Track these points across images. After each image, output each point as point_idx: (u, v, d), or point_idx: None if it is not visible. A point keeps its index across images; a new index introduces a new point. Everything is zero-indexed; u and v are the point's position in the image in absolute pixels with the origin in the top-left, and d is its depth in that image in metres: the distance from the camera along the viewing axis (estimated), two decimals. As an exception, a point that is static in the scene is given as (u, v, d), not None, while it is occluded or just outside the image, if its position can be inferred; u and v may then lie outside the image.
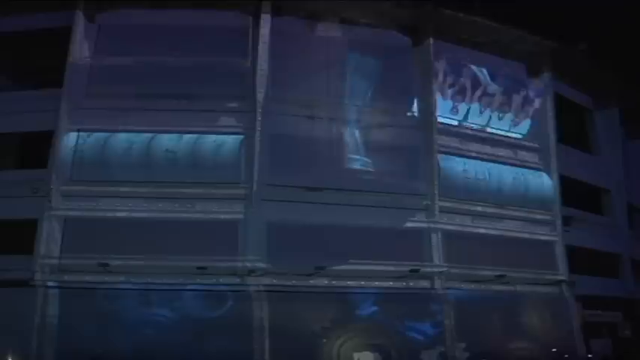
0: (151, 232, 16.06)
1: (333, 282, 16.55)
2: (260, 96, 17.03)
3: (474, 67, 20.07)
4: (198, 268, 15.66)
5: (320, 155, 16.97)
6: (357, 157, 17.13)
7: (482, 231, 18.55)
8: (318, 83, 17.92)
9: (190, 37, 17.61)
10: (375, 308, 17.10)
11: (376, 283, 17.05)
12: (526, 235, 19.34)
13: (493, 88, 20.38)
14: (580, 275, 19.75)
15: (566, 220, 20.01)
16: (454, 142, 19.10)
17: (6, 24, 17.74)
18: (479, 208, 18.69)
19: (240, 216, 16.42)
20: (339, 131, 17.34)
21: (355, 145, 17.25)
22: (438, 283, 17.36)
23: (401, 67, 18.84)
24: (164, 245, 15.80)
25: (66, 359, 14.68)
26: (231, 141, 16.71)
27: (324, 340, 16.27)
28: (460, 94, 19.65)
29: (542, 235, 19.76)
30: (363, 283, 16.94)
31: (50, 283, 15.41)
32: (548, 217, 19.86)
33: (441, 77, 19.18)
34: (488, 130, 19.97)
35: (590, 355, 18.96)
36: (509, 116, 20.51)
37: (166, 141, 16.48)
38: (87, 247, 15.77)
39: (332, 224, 16.69)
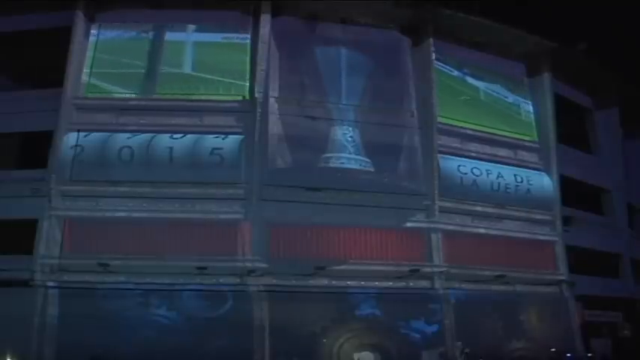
0: (150, 232, 16.09)
1: (333, 282, 16.56)
2: (260, 96, 17.02)
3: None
4: (198, 268, 15.68)
5: (320, 155, 16.97)
6: (357, 157, 17.11)
7: (482, 231, 18.54)
8: (318, 83, 17.93)
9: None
10: (375, 308, 17.11)
11: (376, 283, 17.06)
12: (526, 235, 19.32)
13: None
14: (580, 275, 19.74)
15: (566, 220, 20.00)
16: (454, 142, 19.09)
17: (6, 24, 17.79)
18: (479, 208, 18.68)
19: (240, 216, 16.41)
20: (339, 131, 17.32)
21: (355, 145, 17.23)
22: (438, 283, 17.34)
23: (401, 67, 18.84)
24: (164, 245, 15.83)
25: (66, 359, 14.68)
26: (231, 141, 16.70)
27: (324, 340, 16.27)
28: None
29: (542, 235, 19.74)
30: (363, 283, 16.95)
31: (50, 283, 15.44)
32: (548, 217, 19.84)
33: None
34: (488, 130, 19.99)
35: (590, 355, 18.93)
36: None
37: (166, 141, 16.46)
38: (87, 247, 15.82)
39: (332, 224, 16.70)
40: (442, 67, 19.67)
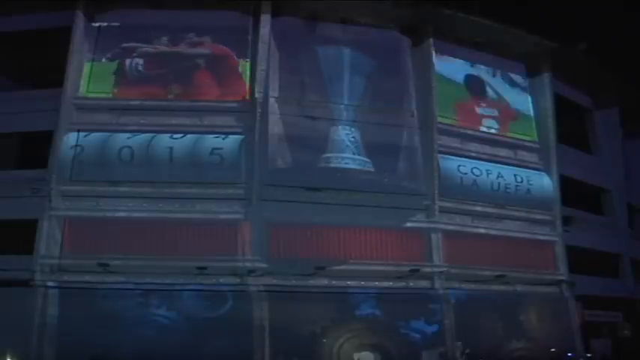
0: (150, 232, 16.10)
1: (333, 282, 16.55)
2: (260, 96, 17.01)
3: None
4: (198, 268, 15.67)
5: (320, 155, 16.96)
6: (357, 157, 17.11)
7: (482, 231, 18.53)
8: (318, 83, 17.93)
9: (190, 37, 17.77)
10: (375, 308, 17.09)
11: (376, 283, 17.05)
12: (526, 235, 19.30)
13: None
14: (580, 275, 19.72)
15: (566, 220, 19.98)
16: (454, 142, 19.09)
17: (6, 24, 17.77)
18: (479, 208, 18.66)
19: (240, 216, 16.41)
20: (339, 131, 17.32)
21: (355, 145, 17.23)
22: (438, 283, 17.33)
23: (401, 67, 18.83)
24: (164, 245, 15.83)
25: (66, 359, 14.68)
26: (231, 141, 16.69)
27: (324, 340, 16.26)
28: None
29: (542, 235, 19.72)
30: (363, 283, 16.93)
31: (50, 283, 15.42)
32: (548, 217, 19.82)
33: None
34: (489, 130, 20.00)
35: (589, 355, 18.93)
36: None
37: (166, 141, 16.46)
38: (87, 247, 15.81)
39: (332, 224, 16.69)
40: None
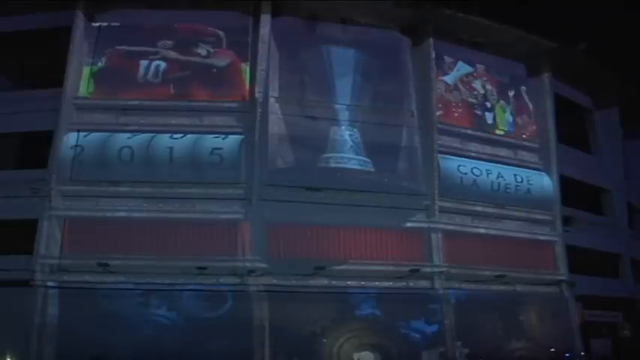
0: (150, 232, 16.10)
1: (333, 282, 16.55)
2: (260, 96, 17.01)
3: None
4: (198, 268, 15.68)
5: (320, 155, 16.96)
6: (357, 157, 17.11)
7: (482, 231, 18.53)
8: (318, 83, 17.94)
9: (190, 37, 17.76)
10: (375, 308, 17.09)
11: (376, 283, 17.05)
12: (526, 235, 19.31)
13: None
14: (580, 275, 19.73)
15: (566, 220, 19.98)
16: (454, 142, 19.09)
17: (6, 24, 17.78)
18: (479, 208, 18.67)
19: (240, 216, 16.41)
20: (339, 131, 17.32)
21: (355, 145, 17.23)
22: (438, 283, 17.33)
23: (401, 67, 18.84)
24: (164, 245, 15.83)
25: (66, 359, 14.68)
26: (231, 141, 16.69)
27: (324, 340, 16.27)
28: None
29: (542, 235, 19.73)
30: (363, 283, 16.94)
31: (50, 283, 15.42)
32: (548, 217, 19.83)
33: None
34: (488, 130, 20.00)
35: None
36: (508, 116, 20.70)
37: (166, 141, 16.46)
38: (87, 247, 15.81)
39: (332, 224, 16.69)
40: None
